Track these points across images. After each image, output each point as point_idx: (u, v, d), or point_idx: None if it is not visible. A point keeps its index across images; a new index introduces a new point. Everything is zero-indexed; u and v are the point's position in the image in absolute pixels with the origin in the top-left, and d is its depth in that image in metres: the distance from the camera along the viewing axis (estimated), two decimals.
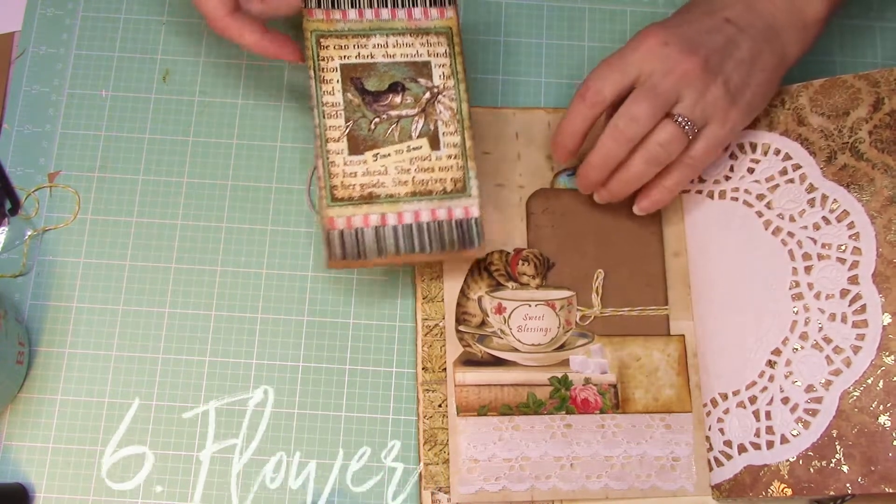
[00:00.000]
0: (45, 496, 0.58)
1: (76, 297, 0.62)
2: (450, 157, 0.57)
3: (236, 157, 0.65)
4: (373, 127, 0.57)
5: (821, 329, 0.56)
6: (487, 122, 0.64)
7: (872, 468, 0.53)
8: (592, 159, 0.57)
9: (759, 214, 0.60)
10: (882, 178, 0.56)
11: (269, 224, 0.63)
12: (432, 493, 0.58)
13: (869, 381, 0.54)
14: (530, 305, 0.60)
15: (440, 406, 0.59)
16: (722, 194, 0.62)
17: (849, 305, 0.55)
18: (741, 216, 0.60)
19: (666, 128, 0.55)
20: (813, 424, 0.55)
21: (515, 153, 0.63)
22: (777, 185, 0.60)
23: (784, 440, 0.56)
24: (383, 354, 0.61)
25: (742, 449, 0.57)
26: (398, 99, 0.57)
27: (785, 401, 0.56)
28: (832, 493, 0.54)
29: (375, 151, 0.57)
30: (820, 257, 0.57)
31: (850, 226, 0.56)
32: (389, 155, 0.57)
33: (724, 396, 0.59)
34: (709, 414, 0.60)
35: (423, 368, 0.60)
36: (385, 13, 0.59)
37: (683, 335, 0.61)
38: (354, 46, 0.58)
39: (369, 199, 0.56)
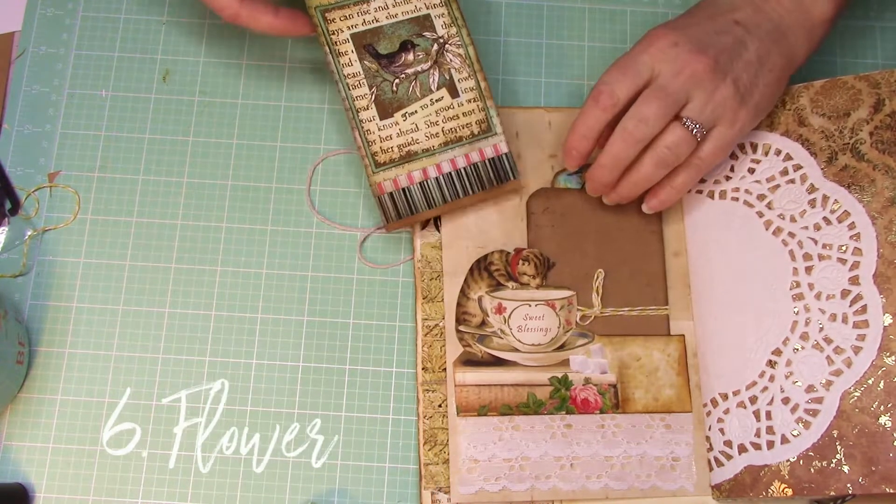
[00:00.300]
0: (45, 496, 0.58)
1: (76, 297, 0.62)
2: (469, 101, 0.60)
3: (236, 157, 0.64)
4: (395, 88, 0.59)
5: (821, 329, 0.56)
6: None
7: (873, 468, 0.53)
8: (602, 160, 0.57)
9: (760, 214, 0.60)
10: (883, 178, 0.56)
11: (269, 224, 0.63)
12: (432, 493, 0.58)
13: (870, 382, 0.54)
14: (530, 305, 0.60)
15: (440, 406, 0.59)
16: (722, 194, 0.62)
17: (849, 306, 0.55)
18: (742, 216, 0.60)
19: (675, 131, 0.55)
20: (813, 424, 0.55)
21: (516, 153, 0.63)
22: (778, 186, 0.60)
23: (784, 440, 0.56)
24: (383, 354, 0.61)
25: (742, 449, 0.57)
26: (411, 56, 0.59)
27: (785, 401, 0.56)
28: (833, 493, 0.53)
29: (403, 111, 0.59)
30: (821, 258, 0.57)
31: (851, 226, 0.56)
32: (416, 112, 0.59)
33: (725, 396, 0.59)
34: (709, 414, 0.59)
35: (423, 368, 0.60)
36: None
37: (683, 335, 0.61)
38: (358, 14, 0.59)
39: (408, 157, 0.59)
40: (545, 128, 0.64)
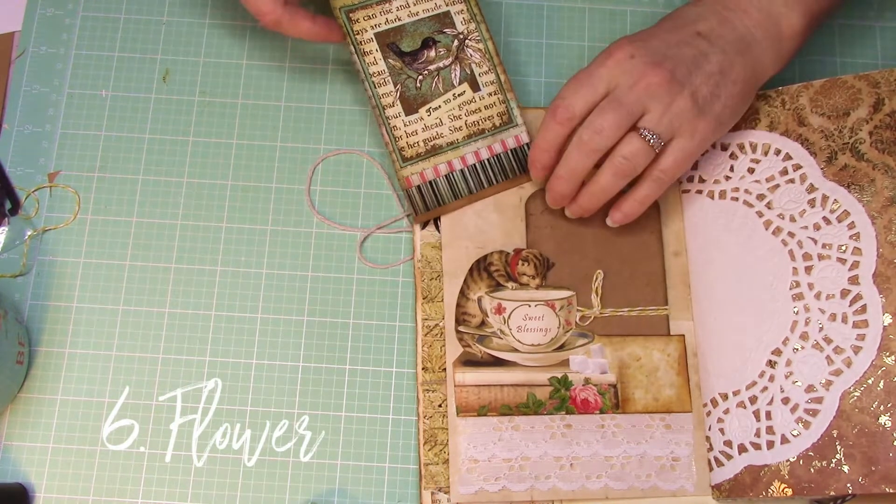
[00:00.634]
0: (45, 496, 0.58)
1: (76, 297, 0.62)
2: (490, 94, 0.62)
3: (236, 157, 0.64)
4: (419, 85, 0.61)
5: (821, 329, 0.56)
6: None
7: (873, 468, 0.52)
8: (559, 171, 0.57)
9: (760, 214, 0.60)
10: (882, 178, 0.56)
11: (269, 224, 0.63)
12: (432, 493, 0.58)
13: (869, 382, 0.54)
14: (530, 306, 0.60)
15: (440, 406, 0.59)
16: (722, 194, 0.61)
17: (849, 306, 0.55)
18: (741, 216, 0.60)
19: (631, 141, 0.55)
20: (813, 424, 0.55)
21: None
22: (777, 185, 0.60)
23: (784, 440, 0.56)
24: (383, 354, 0.61)
25: (742, 449, 0.57)
26: (432, 53, 0.61)
27: (785, 401, 0.56)
28: (832, 493, 0.53)
29: (427, 106, 0.61)
30: (820, 257, 0.57)
31: (851, 226, 0.56)
32: (440, 106, 0.61)
33: (725, 396, 0.59)
34: (709, 414, 0.59)
35: (423, 368, 0.60)
36: None
37: (683, 335, 0.61)
38: (381, 13, 0.61)
39: (434, 151, 0.61)
40: None
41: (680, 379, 0.60)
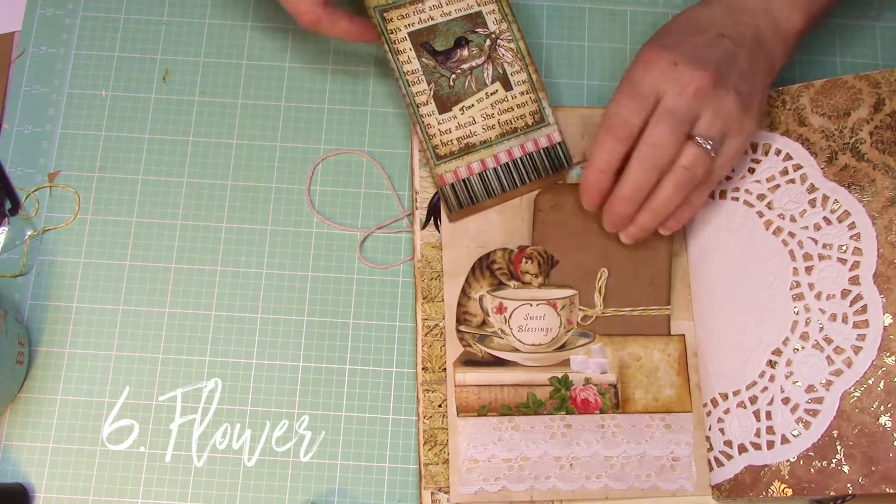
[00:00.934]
0: (45, 496, 0.58)
1: (76, 297, 0.61)
2: (522, 93, 0.62)
3: (236, 157, 0.64)
4: (452, 84, 0.61)
5: (821, 329, 0.56)
6: None
7: (873, 468, 0.52)
8: (622, 192, 0.56)
9: (760, 214, 0.59)
10: (883, 178, 0.56)
11: (269, 224, 0.63)
12: (432, 493, 0.58)
13: (870, 382, 0.54)
14: (531, 305, 0.59)
15: (440, 406, 0.59)
16: (722, 194, 0.61)
17: (850, 306, 0.55)
18: (742, 216, 0.60)
19: (690, 150, 0.55)
20: (813, 424, 0.55)
21: None
22: (778, 185, 0.59)
23: (784, 440, 0.55)
24: (383, 354, 0.61)
25: (742, 449, 0.57)
26: (465, 52, 0.62)
27: (785, 401, 0.56)
28: (833, 493, 0.53)
29: (461, 105, 0.61)
30: (821, 257, 0.57)
31: (851, 226, 0.56)
32: (473, 105, 0.61)
33: (725, 396, 0.59)
34: (709, 414, 0.59)
35: (423, 368, 0.59)
36: None
37: (683, 335, 0.60)
38: (414, 13, 0.62)
39: (467, 149, 0.61)
40: None
41: (680, 379, 0.60)
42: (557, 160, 0.62)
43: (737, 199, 0.61)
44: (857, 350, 0.54)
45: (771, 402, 0.57)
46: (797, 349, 0.56)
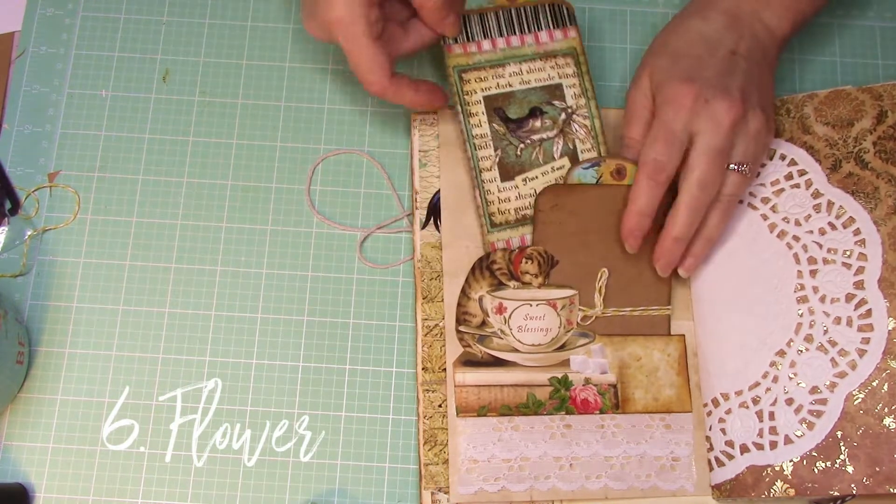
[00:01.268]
0: (45, 496, 0.57)
1: (76, 297, 0.61)
2: None
3: (236, 157, 0.63)
4: (519, 153, 0.59)
5: (826, 332, 0.56)
6: None
7: (877, 469, 0.52)
8: (674, 234, 0.56)
9: (765, 217, 0.59)
10: (886, 187, 0.56)
11: (269, 224, 0.62)
12: (432, 494, 0.57)
13: (874, 384, 0.53)
14: (531, 305, 0.59)
15: (440, 406, 0.58)
16: None
17: (854, 309, 0.55)
18: (746, 218, 0.60)
19: (731, 179, 0.56)
20: (817, 425, 0.54)
21: None
22: (782, 190, 0.59)
23: (788, 441, 0.55)
24: (383, 354, 0.60)
25: (744, 449, 0.56)
26: (538, 123, 0.60)
27: (789, 402, 0.56)
28: (836, 493, 0.53)
29: (524, 175, 0.59)
30: (825, 262, 0.57)
31: (856, 232, 0.56)
32: (537, 178, 0.59)
33: (726, 396, 0.58)
34: (710, 414, 0.58)
35: (423, 368, 0.59)
36: (515, 40, 0.61)
37: (683, 335, 0.60)
38: (493, 77, 0.60)
39: (523, 220, 0.59)
40: None
41: (680, 379, 0.59)
42: None
43: (741, 201, 0.60)
44: (861, 353, 0.54)
45: (774, 403, 0.56)
46: (801, 351, 0.56)
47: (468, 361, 0.59)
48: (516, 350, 0.59)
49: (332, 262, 0.62)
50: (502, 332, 0.59)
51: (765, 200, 0.59)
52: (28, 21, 0.65)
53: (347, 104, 0.65)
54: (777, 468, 0.55)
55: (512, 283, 0.60)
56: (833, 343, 0.55)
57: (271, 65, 0.65)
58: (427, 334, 0.59)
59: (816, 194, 0.58)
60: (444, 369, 0.58)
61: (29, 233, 0.62)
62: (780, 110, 0.61)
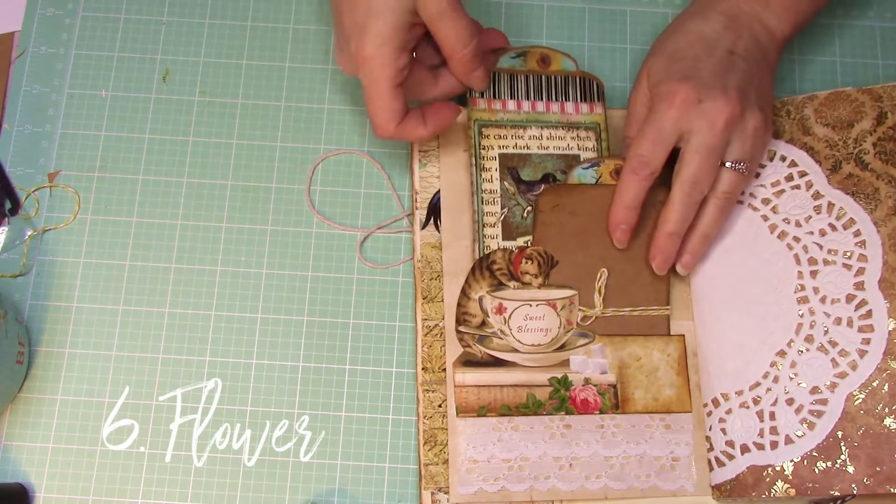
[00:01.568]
0: (45, 496, 0.57)
1: (76, 297, 0.60)
2: None
3: (236, 157, 0.63)
4: (525, 215, 0.59)
5: (826, 332, 0.55)
6: None
7: (878, 469, 0.52)
8: (668, 229, 0.56)
9: (765, 218, 0.59)
10: (886, 188, 0.56)
11: (269, 224, 0.62)
12: (432, 494, 0.56)
13: (874, 385, 0.53)
14: (531, 305, 0.58)
15: (440, 406, 0.58)
16: None
17: (855, 310, 0.55)
18: (746, 219, 0.59)
19: (727, 177, 0.56)
20: (818, 426, 0.54)
21: None
22: (783, 191, 0.59)
23: (788, 441, 0.55)
24: (383, 354, 0.60)
25: (745, 449, 0.56)
26: None
27: (790, 402, 0.55)
28: (837, 493, 0.53)
29: (527, 238, 0.59)
30: (826, 262, 0.56)
31: (857, 233, 0.56)
32: None
33: (726, 397, 0.57)
34: (710, 414, 0.58)
35: (423, 369, 0.58)
36: (540, 106, 0.61)
37: (683, 335, 0.59)
38: (512, 137, 0.60)
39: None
40: None
41: (680, 379, 0.58)
42: None
43: (741, 201, 0.60)
44: (862, 353, 0.54)
45: (775, 403, 0.56)
46: (802, 351, 0.56)
47: (468, 361, 0.58)
48: (516, 350, 0.58)
49: (332, 262, 0.61)
50: (502, 332, 0.58)
51: (765, 201, 0.59)
52: (28, 21, 0.65)
53: (347, 104, 0.64)
54: (777, 468, 0.55)
55: (512, 284, 0.59)
56: (833, 343, 0.55)
57: (271, 65, 0.65)
58: (427, 334, 0.59)
59: (817, 195, 0.58)
60: (444, 369, 0.58)
61: (29, 233, 0.61)
62: (780, 112, 0.60)
